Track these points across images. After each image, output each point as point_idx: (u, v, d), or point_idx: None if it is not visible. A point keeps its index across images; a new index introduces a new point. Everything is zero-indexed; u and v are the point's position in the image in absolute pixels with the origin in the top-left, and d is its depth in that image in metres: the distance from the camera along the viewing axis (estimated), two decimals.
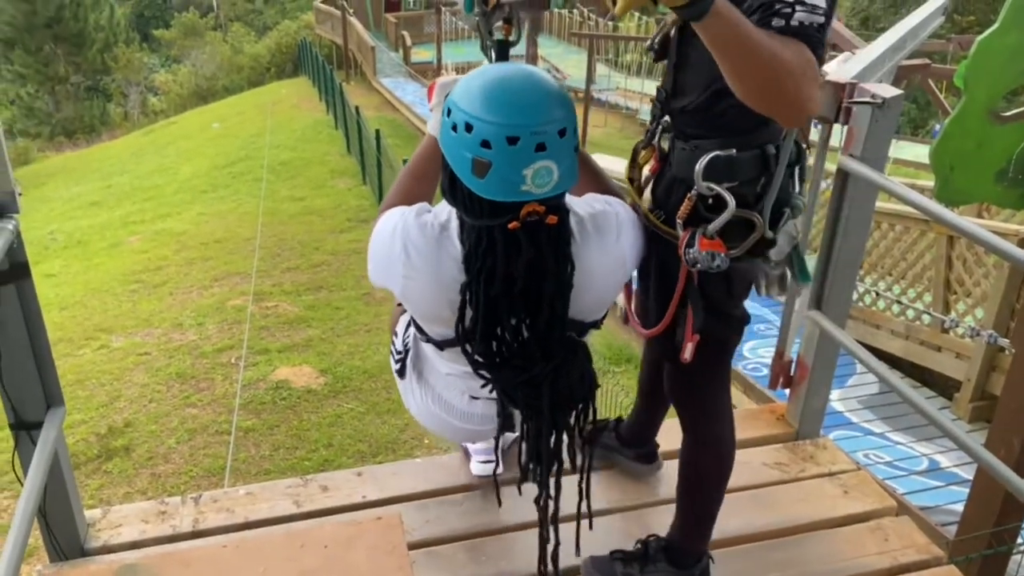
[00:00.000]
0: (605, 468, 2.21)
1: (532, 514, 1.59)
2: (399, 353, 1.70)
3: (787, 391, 2.37)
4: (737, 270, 1.51)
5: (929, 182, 6.94)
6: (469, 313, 1.33)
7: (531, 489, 1.57)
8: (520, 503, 2.00)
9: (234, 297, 7.97)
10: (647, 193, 1.62)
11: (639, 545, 1.86)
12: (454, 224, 1.35)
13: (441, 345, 1.49)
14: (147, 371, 6.37)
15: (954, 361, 5.50)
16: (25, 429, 1.71)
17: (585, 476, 1.58)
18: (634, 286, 1.78)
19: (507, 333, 1.35)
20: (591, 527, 1.64)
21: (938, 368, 5.67)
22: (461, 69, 20.48)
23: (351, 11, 21.93)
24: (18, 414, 1.70)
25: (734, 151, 1.41)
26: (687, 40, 1.43)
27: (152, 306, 8.05)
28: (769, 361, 2.38)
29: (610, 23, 18.62)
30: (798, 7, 1.20)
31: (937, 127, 14.79)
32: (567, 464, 1.51)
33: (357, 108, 12.58)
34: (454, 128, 1.24)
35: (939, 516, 4.23)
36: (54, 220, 13.61)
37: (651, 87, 18.17)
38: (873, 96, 1.91)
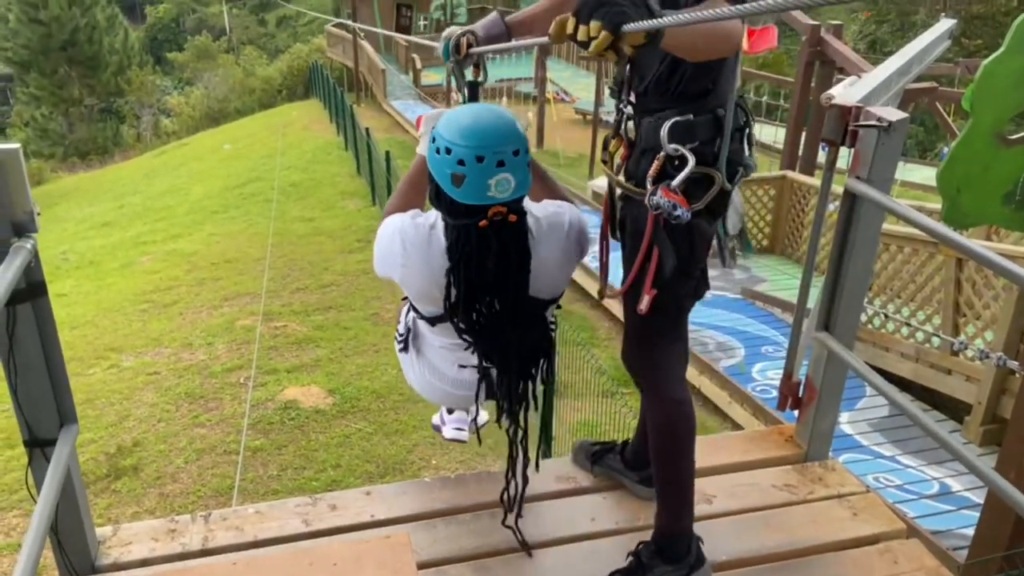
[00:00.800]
0: (610, 489, 2.21)
1: (540, 535, 1.60)
2: (401, 335, 2.06)
3: (796, 413, 2.37)
4: (699, 227, 1.73)
5: (937, 204, 6.95)
6: (453, 292, 1.73)
7: (538, 512, 1.58)
8: (528, 525, 2.00)
9: (243, 317, 8.01)
10: (621, 175, 1.83)
11: (631, 558, 1.88)
12: (440, 225, 1.74)
13: (433, 321, 1.88)
14: (156, 390, 6.39)
15: (964, 384, 5.47)
16: (39, 446, 1.73)
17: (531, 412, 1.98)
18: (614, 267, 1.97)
19: (483, 307, 1.74)
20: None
21: (948, 391, 5.64)
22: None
23: (362, 35, 22.18)
24: (32, 431, 1.72)
25: (691, 116, 1.66)
26: None
27: (162, 326, 8.09)
28: (777, 383, 2.38)
29: None
30: None
31: (945, 150, 14.80)
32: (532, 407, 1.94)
33: (367, 130, 12.69)
34: (438, 151, 1.63)
35: (950, 540, 4.19)
36: (66, 240, 13.73)
37: None
38: (879, 119, 1.93)
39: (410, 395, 6.22)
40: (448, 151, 1.60)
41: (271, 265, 9.27)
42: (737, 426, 5.58)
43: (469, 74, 2.10)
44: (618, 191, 1.85)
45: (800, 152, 9.30)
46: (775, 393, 2.53)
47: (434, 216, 1.77)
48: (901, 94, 2.60)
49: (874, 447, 5.21)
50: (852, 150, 2.02)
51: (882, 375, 2.14)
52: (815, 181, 8.46)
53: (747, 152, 1.78)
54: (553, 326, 1.94)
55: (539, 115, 16.72)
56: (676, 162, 1.65)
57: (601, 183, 12.44)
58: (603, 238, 1.98)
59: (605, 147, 1.87)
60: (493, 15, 2.07)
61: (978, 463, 1.66)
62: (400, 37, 22.28)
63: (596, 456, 2.24)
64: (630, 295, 1.79)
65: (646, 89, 1.72)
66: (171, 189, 17.06)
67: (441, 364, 1.98)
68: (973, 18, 19.75)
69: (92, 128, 30.62)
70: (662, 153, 1.66)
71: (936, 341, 5.64)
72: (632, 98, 1.77)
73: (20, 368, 1.65)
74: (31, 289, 1.62)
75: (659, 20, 1.24)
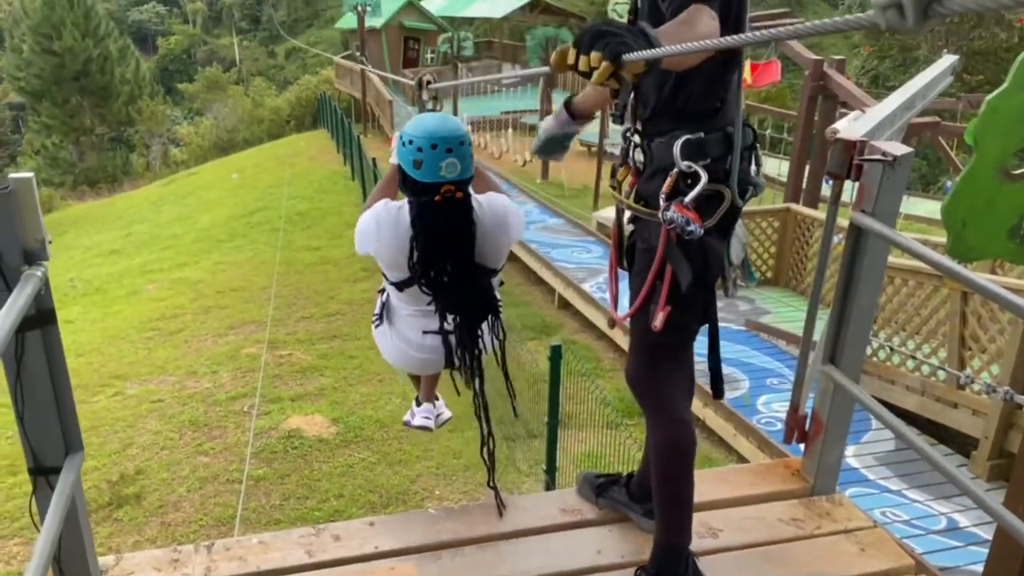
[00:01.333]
0: (616, 522, 2.19)
1: (545, 568, 1.58)
2: (377, 314, 2.49)
3: (802, 446, 2.36)
4: (710, 243, 1.78)
5: (942, 238, 6.95)
6: (416, 255, 2.14)
7: (543, 544, 1.57)
8: (533, 557, 1.99)
9: (248, 345, 8.02)
10: (631, 200, 1.89)
11: None
12: (406, 207, 2.19)
13: (401, 286, 2.25)
14: (160, 418, 6.38)
15: (971, 418, 5.43)
16: (44, 474, 1.72)
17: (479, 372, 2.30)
18: (623, 300, 2.01)
19: (439, 268, 2.15)
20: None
21: (954, 425, 5.60)
22: (476, 122, 20.87)
23: (369, 66, 22.46)
24: (37, 459, 1.72)
25: (702, 134, 1.72)
26: None
27: (167, 353, 8.10)
28: (783, 416, 2.37)
29: None
30: None
31: (948, 183, 14.85)
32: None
33: (374, 160, 12.79)
34: (404, 144, 2.12)
35: None
36: (74, 268, 13.80)
37: None
38: (884, 154, 1.95)
39: None
40: (411, 142, 2.11)
41: (277, 293, 9.30)
42: (742, 459, 5.54)
43: (430, 104, 2.83)
44: (627, 216, 1.91)
45: (804, 185, 9.33)
46: (780, 425, 2.52)
47: (402, 202, 2.24)
48: (905, 128, 2.62)
49: (880, 481, 5.16)
50: (857, 184, 2.03)
51: (887, 408, 2.13)
52: (819, 214, 8.48)
53: (755, 171, 1.84)
54: (500, 301, 2.36)
55: None
56: (688, 179, 1.70)
57: (606, 214, 12.48)
58: (612, 269, 2.01)
59: (613, 175, 1.94)
60: (558, 108, 2.19)
61: (986, 498, 1.64)
62: (380, 74, 22.57)
63: (601, 488, 2.23)
64: (640, 314, 1.83)
65: (653, 112, 1.78)
66: (179, 218, 17.17)
67: (408, 331, 2.39)
68: (974, 53, 19.93)
69: (102, 157, 30.94)
70: (675, 170, 1.71)
71: (942, 374, 5.61)
72: (637, 125, 1.83)
73: (27, 395, 1.65)
74: (41, 316, 1.63)
75: (658, 50, 1.31)
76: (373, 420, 6.28)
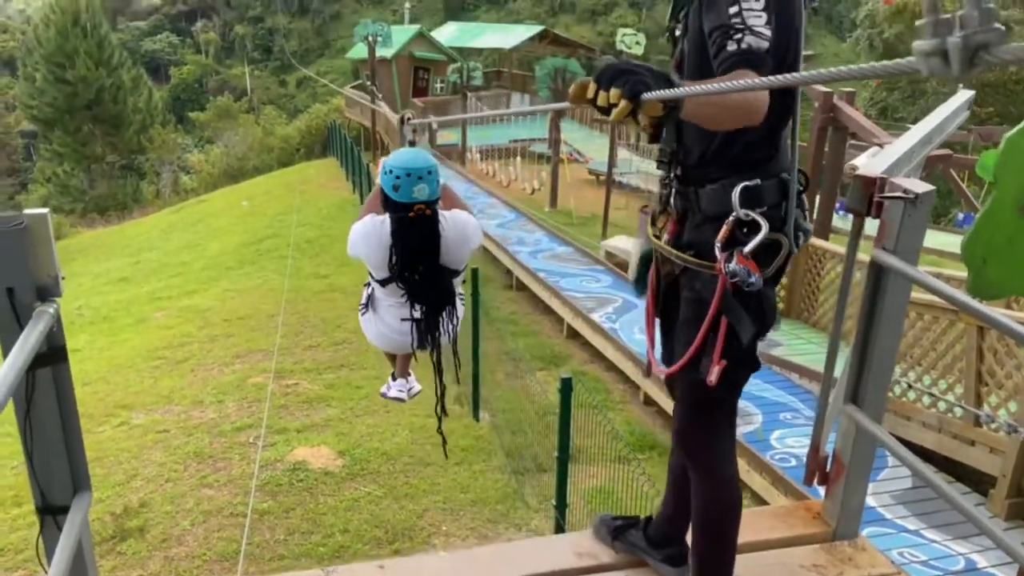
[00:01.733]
0: (633, 567, 2.14)
1: None
2: (363, 304, 3.16)
3: (823, 488, 2.30)
4: (766, 294, 1.71)
5: (954, 271, 6.91)
6: (395, 259, 2.75)
7: None
8: None
9: (255, 374, 7.98)
10: (671, 249, 1.82)
11: None
12: (387, 220, 2.76)
13: (384, 283, 2.88)
14: (165, 449, 6.33)
15: (988, 456, 5.34)
16: (51, 513, 1.68)
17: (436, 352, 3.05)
18: (657, 347, 1.96)
19: (412, 269, 2.77)
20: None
21: (971, 463, 5.51)
22: (484, 151, 21.00)
23: (380, 95, 22.67)
24: (45, 498, 1.68)
25: (758, 181, 1.67)
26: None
27: (174, 383, 8.07)
28: (796, 451, 2.32)
29: None
30: (747, 33, 1.51)
31: (960, 216, 14.81)
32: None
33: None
34: (386, 172, 2.74)
35: None
36: (82, 295, 13.82)
37: None
38: (905, 191, 1.92)
39: (421, 457, 6.14)
40: (391, 171, 2.73)
41: (284, 322, 9.27)
42: (756, 496, 5.44)
43: (409, 136, 3.25)
44: (670, 265, 1.83)
45: (815, 216, 9.31)
46: (794, 462, 2.48)
47: (385, 216, 2.81)
48: (923, 164, 2.60)
49: (898, 520, 5.06)
50: (877, 220, 2.00)
51: (903, 445, 2.08)
52: (830, 245, 8.45)
53: (804, 216, 1.80)
54: (461, 295, 3.05)
55: (553, 175, 16.90)
56: (745, 228, 1.65)
57: (615, 243, 12.47)
58: (649, 317, 1.95)
59: (653, 223, 1.87)
60: (640, 219, 2.09)
61: (1007, 539, 1.59)
62: (382, 108, 22.77)
63: (618, 531, 2.17)
64: (690, 368, 1.74)
65: (702, 159, 1.72)
66: (188, 245, 17.24)
67: (388, 317, 3.05)
68: (984, 86, 19.99)
69: (113, 184, 31.21)
70: (731, 219, 1.65)
71: (959, 411, 5.53)
72: (678, 170, 1.76)
73: (36, 433, 1.62)
74: (52, 354, 1.60)
75: (675, 90, 1.30)
76: (379, 453, 6.21)
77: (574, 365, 8.53)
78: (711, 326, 1.69)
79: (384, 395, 3.64)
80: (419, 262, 2.78)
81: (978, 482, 5.52)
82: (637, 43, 18.34)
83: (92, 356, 9.68)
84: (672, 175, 1.79)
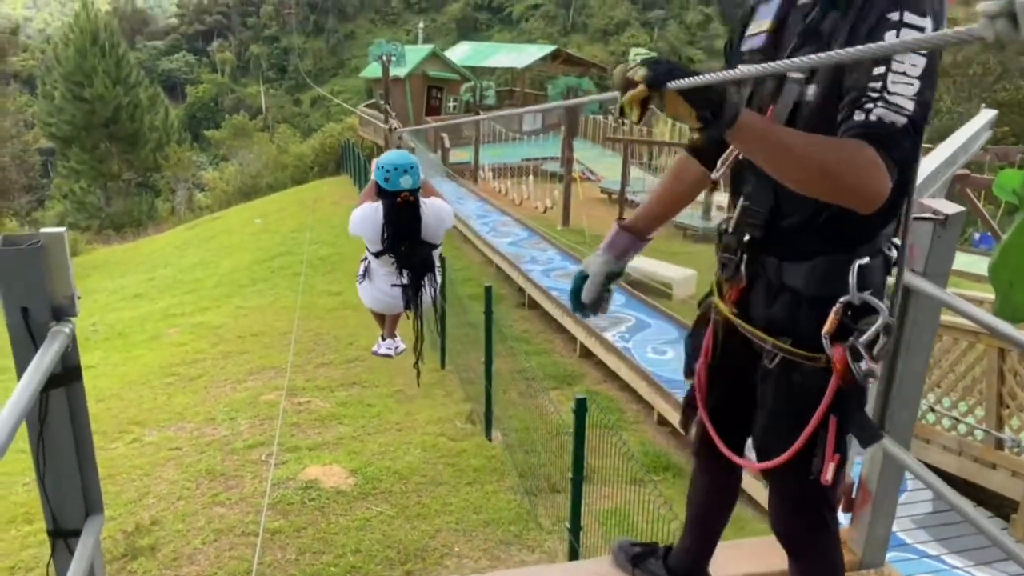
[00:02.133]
0: None
1: None
2: (361, 274, 4.08)
3: (848, 515, 2.25)
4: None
5: (972, 291, 6.82)
6: (386, 235, 3.67)
7: None
8: None
9: (267, 392, 7.97)
10: (763, 334, 1.56)
11: None
12: (380, 206, 3.67)
13: (378, 255, 3.79)
14: (177, 467, 6.31)
15: (1010, 480, 5.24)
16: (62, 537, 1.66)
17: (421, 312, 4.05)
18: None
19: (400, 243, 3.69)
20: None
21: (993, 487, 5.40)
22: (496, 170, 21.06)
23: (393, 114, 22.81)
24: (57, 521, 1.65)
25: (868, 258, 1.43)
26: None
27: (186, 399, 8.06)
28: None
29: (644, 127, 19.09)
30: (880, 103, 1.26)
31: (976, 235, 14.69)
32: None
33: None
34: (378, 168, 3.71)
35: None
36: (96, 312, 13.90)
37: None
38: (935, 212, 1.88)
39: (433, 477, 6.09)
40: (383, 167, 3.68)
41: (297, 339, 9.27)
42: None
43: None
44: (738, 339, 1.61)
45: None
46: None
47: (378, 203, 3.72)
48: (948, 184, 2.56)
49: (919, 545, 4.97)
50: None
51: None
52: None
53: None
54: (439, 263, 4.00)
55: (565, 194, 16.89)
56: (850, 312, 1.42)
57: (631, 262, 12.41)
58: (701, 392, 1.75)
59: (720, 292, 1.64)
60: (612, 231, 1.81)
61: None
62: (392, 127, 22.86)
63: (637, 559, 2.12)
64: (796, 464, 1.53)
65: (803, 226, 1.46)
66: (201, 262, 17.33)
67: (381, 283, 3.97)
68: (999, 105, 19.91)
69: (128, 201, 31.49)
70: (840, 303, 1.41)
71: (979, 434, 5.44)
72: (757, 233, 1.52)
73: (49, 455, 1.60)
74: (66, 374, 1.58)
75: (702, 77, 1.14)
76: (391, 471, 6.16)
77: (587, 384, 8.47)
78: (820, 423, 1.48)
79: (375, 353, 4.68)
80: (405, 237, 3.71)
81: (999, 506, 5.41)
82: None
83: (106, 372, 9.70)
84: (746, 238, 1.54)
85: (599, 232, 15.90)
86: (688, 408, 1.85)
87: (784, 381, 1.53)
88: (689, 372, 1.78)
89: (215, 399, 7.97)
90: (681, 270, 11.89)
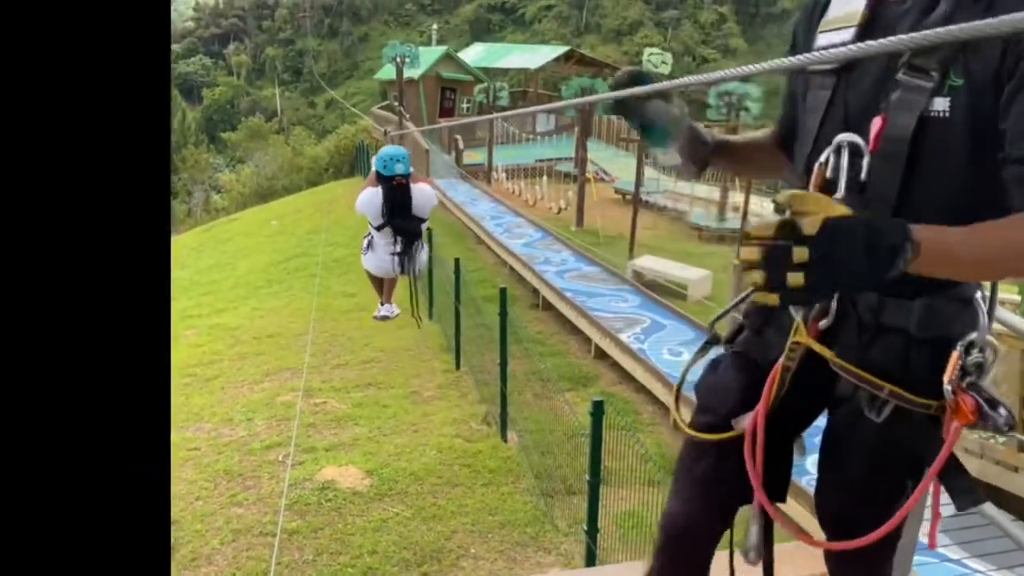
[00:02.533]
0: None
1: None
2: (365, 247, 5.53)
3: None
4: None
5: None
6: (385, 211, 5.13)
7: None
8: None
9: (284, 393, 8.01)
10: (873, 378, 1.29)
11: None
12: (380, 190, 5.13)
13: (379, 228, 5.25)
14: (196, 467, 6.35)
15: None
16: None
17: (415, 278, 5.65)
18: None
19: (396, 216, 5.16)
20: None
21: (1015, 490, 5.34)
22: (510, 171, 21.06)
23: (407, 116, 22.88)
24: None
25: (977, 292, 1.28)
26: (879, 168, 1.20)
27: (204, 400, 8.12)
28: None
29: None
30: None
31: None
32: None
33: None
34: (379, 159, 5.22)
35: None
36: None
37: (700, 190, 18.33)
38: None
39: (448, 478, 6.09)
40: (381, 158, 5.11)
41: (313, 340, 9.31)
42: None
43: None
44: (821, 377, 1.33)
45: None
46: None
47: (378, 188, 5.08)
48: None
49: (940, 549, 4.91)
50: None
51: None
52: None
53: None
54: (424, 224, 5.34)
55: (579, 194, 16.88)
56: (968, 354, 1.21)
57: (643, 263, 12.40)
58: (755, 435, 1.39)
59: (806, 327, 1.35)
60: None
61: None
62: (403, 129, 22.91)
63: None
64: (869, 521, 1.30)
65: None
66: (218, 264, 17.45)
67: (382, 252, 5.31)
68: None
69: None
70: (959, 348, 1.19)
71: (1001, 437, 5.37)
72: None
73: None
74: None
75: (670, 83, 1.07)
76: (407, 472, 6.18)
77: (602, 386, 8.45)
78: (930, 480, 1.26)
79: (376, 316, 5.99)
80: (399, 214, 5.09)
81: (1020, 511, 5.35)
82: (664, 63, 18.33)
83: None
84: None
85: (613, 233, 15.88)
86: (716, 459, 1.55)
87: (888, 433, 1.30)
88: (722, 420, 1.50)
89: (232, 400, 8.02)
90: (697, 271, 11.84)
